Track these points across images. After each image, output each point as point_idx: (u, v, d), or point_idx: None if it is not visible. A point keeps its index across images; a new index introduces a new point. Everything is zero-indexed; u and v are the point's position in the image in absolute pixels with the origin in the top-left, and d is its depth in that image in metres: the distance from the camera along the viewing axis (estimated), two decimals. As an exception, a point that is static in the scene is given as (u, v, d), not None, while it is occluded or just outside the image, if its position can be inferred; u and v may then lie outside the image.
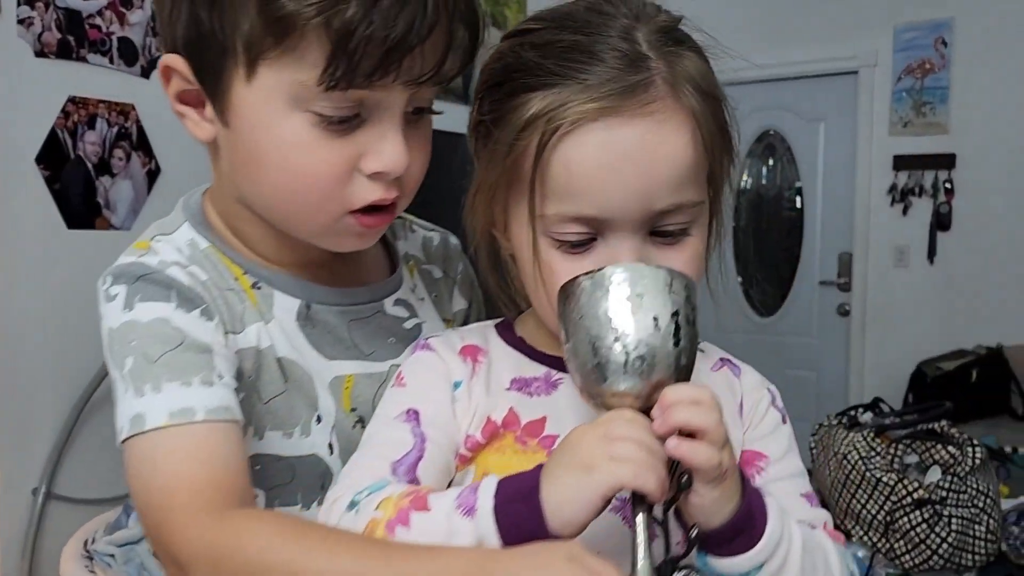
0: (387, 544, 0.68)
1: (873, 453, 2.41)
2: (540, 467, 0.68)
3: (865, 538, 2.38)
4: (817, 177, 4.92)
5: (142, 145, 2.78)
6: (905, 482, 2.34)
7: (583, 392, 0.71)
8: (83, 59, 2.61)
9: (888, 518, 2.33)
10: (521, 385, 0.83)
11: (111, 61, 2.68)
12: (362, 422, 0.88)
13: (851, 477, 2.40)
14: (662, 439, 0.66)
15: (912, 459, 2.44)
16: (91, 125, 2.65)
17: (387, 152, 0.78)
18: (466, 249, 0.89)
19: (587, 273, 0.70)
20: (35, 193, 2.52)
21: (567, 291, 0.71)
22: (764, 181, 5.17)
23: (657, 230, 0.75)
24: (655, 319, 0.68)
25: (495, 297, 0.88)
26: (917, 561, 2.30)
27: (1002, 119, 4.31)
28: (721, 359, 0.88)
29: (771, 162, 5.12)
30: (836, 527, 2.64)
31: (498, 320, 0.90)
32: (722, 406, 0.68)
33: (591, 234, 0.74)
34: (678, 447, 0.65)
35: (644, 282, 0.69)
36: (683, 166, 0.73)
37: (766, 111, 4.93)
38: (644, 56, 0.73)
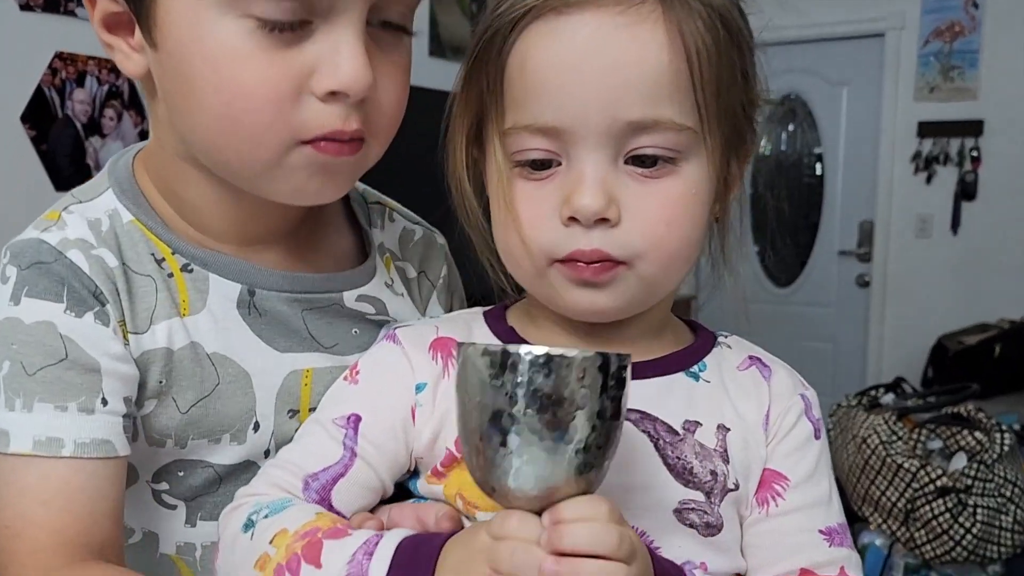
0: None
1: (895, 437, 2.31)
2: (448, 537, 0.60)
3: (884, 526, 2.28)
4: (839, 143, 4.80)
5: (134, 104, 2.68)
6: (928, 469, 2.24)
7: (475, 479, 0.59)
8: (71, 12, 2.51)
9: (909, 506, 2.23)
10: None
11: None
12: None
13: (871, 462, 2.30)
14: None
15: (936, 444, 2.34)
16: (80, 83, 2.55)
17: (342, 66, 0.65)
18: (456, 225, 0.76)
19: (485, 345, 0.56)
20: (21, 154, 2.44)
21: (459, 355, 0.58)
22: (784, 147, 5.05)
23: (632, 155, 0.64)
24: (563, 424, 0.54)
25: (491, 278, 0.76)
26: (939, 552, 2.20)
27: (1034, 85, 4.17)
28: (750, 357, 0.76)
29: (791, 127, 4.99)
30: (853, 514, 2.52)
31: (487, 308, 0.79)
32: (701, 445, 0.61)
33: (553, 153, 0.65)
34: (557, 567, 0.53)
35: (555, 374, 0.54)
36: (654, 72, 0.63)
37: (787, 74, 4.79)
38: None
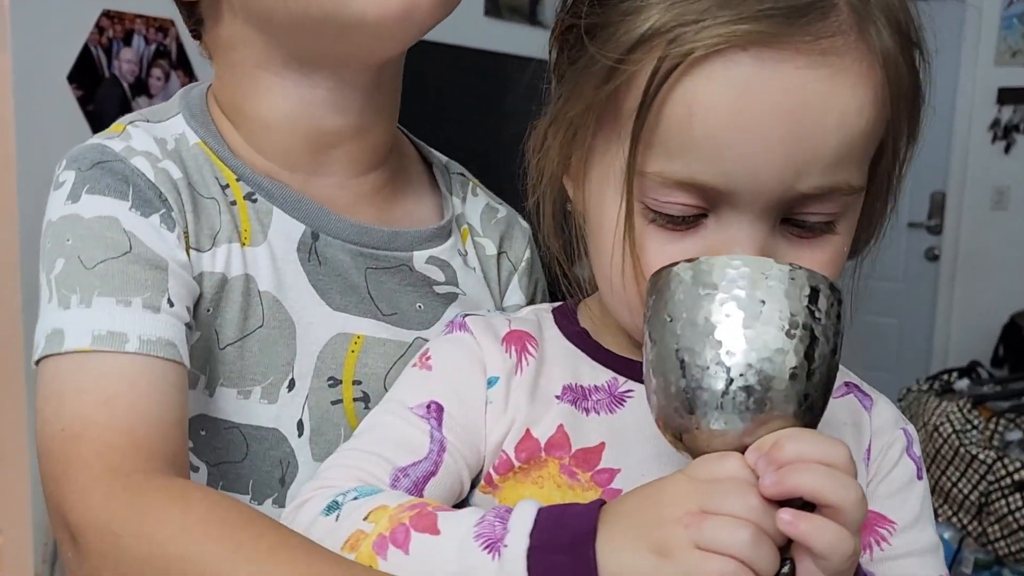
0: (359, 568, 0.51)
1: (969, 427, 2.19)
2: (599, 504, 0.50)
3: (954, 519, 2.18)
4: (912, 109, 4.59)
5: (182, 64, 2.63)
6: (1005, 461, 2.12)
7: (659, 420, 0.52)
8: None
9: (982, 499, 2.12)
10: (576, 396, 0.64)
11: (151, -28, 2.52)
12: (366, 400, 0.71)
13: (942, 452, 2.19)
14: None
15: (1015, 436, 2.21)
16: (127, 42, 2.51)
17: None
18: (525, 199, 0.67)
19: (689, 261, 0.51)
20: (67, 114, 2.41)
21: (658, 282, 0.52)
22: (853, 113, 4.87)
23: (792, 218, 0.55)
24: (777, 336, 0.48)
25: (555, 272, 0.68)
26: (1014, 549, 2.09)
27: None
28: (847, 384, 0.68)
29: (861, 92, 4.80)
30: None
31: (556, 304, 0.71)
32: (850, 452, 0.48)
33: (701, 209, 0.54)
34: (795, 524, 0.45)
35: (769, 284, 0.49)
36: (854, 136, 0.52)
37: (859, 36, 4.61)
38: None
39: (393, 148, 0.78)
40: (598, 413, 0.63)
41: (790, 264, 0.50)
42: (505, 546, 0.49)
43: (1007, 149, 4.28)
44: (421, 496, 0.60)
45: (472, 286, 0.78)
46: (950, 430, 2.21)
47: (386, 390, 0.69)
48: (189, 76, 2.63)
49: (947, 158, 4.45)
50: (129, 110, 0.76)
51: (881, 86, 0.52)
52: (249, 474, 0.69)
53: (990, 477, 2.13)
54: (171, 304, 0.62)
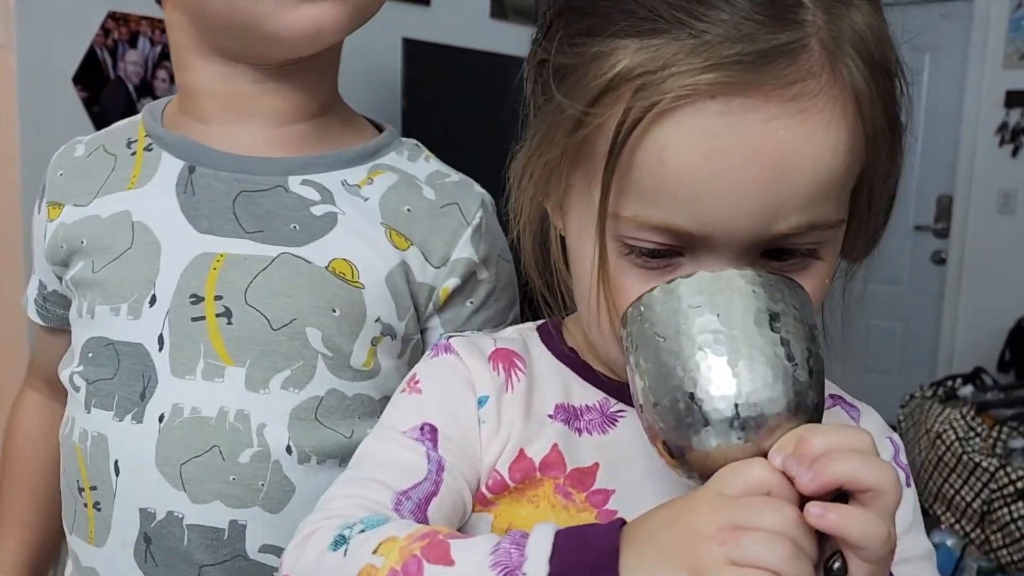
0: None
1: (972, 434, 2.18)
2: (619, 523, 0.49)
3: (957, 526, 2.16)
4: (919, 112, 4.54)
5: (189, 66, 2.62)
6: (1008, 469, 2.11)
7: (658, 441, 0.52)
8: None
9: (985, 507, 2.11)
10: (568, 416, 0.64)
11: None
12: (228, 315, 0.74)
13: (945, 459, 2.18)
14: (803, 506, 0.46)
15: (1018, 443, 2.20)
16: (133, 43, 2.49)
17: None
18: (504, 220, 0.67)
19: (668, 282, 0.52)
20: (73, 116, 2.39)
21: (639, 307, 0.53)
22: (859, 115, 4.84)
23: (773, 249, 0.54)
24: (771, 343, 0.49)
25: (537, 293, 0.67)
26: (1016, 558, 2.08)
27: None
28: (833, 396, 0.69)
29: (868, 94, 4.78)
30: (924, 512, 2.40)
31: (539, 323, 0.71)
32: None
33: (678, 247, 0.54)
34: (824, 516, 0.45)
35: (747, 291, 0.51)
36: (830, 176, 0.52)
37: (866, 39, 4.58)
38: (795, 1, 0.51)
39: (329, 110, 0.83)
40: (591, 433, 0.63)
41: (757, 271, 0.51)
42: (524, 574, 0.48)
43: (1015, 152, 4.26)
44: (425, 518, 0.59)
45: (354, 209, 0.78)
46: (953, 437, 2.20)
47: (245, 302, 0.74)
48: (194, 78, 2.63)
49: (954, 161, 4.43)
50: (134, 111, 0.86)
51: (855, 123, 0.52)
52: (116, 390, 0.76)
53: (993, 485, 2.12)
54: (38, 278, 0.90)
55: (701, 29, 0.50)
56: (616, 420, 0.64)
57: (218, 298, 0.74)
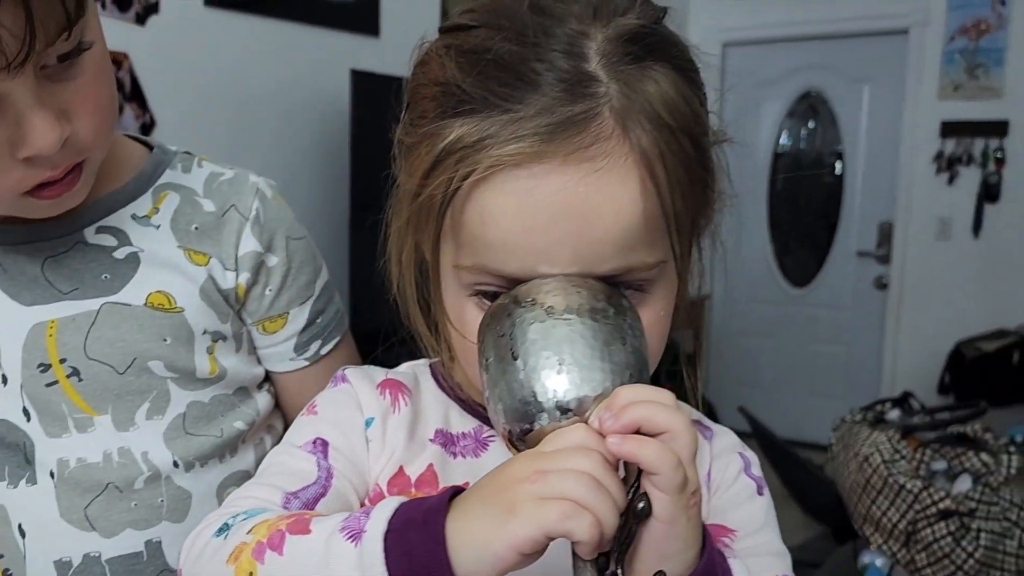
0: None
1: (898, 456, 2.25)
2: (455, 489, 0.55)
3: (885, 547, 2.23)
4: (859, 141, 4.70)
5: (136, 97, 2.64)
6: (931, 490, 2.17)
7: (504, 430, 0.58)
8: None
9: (910, 528, 2.17)
10: (445, 440, 0.70)
11: (103, 6, 2.54)
12: (77, 373, 0.79)
13: (872, 481, 2.24)
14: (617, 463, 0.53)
15: (940, 466, 2.27)
16: None
17: (31, 137, 0.68)
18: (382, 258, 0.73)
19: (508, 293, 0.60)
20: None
21: (486, 320, 0.60)
22: (803, 144, 4.96)
23: None
24: (592, 331, 0.57)
25: (422, 335, 0.73)
26: (940, 576, 2.15)
27: (1062, 86, 4.06)
28: (691, 421, 0.73)
29: (811, 124, 4.91)
30: (854, 533, 2.45)
31: (434, 360, 0.76)
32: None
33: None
34: (621, 444, 0.52)
35: (573, 291, 0.58)
36: (634, 224, 0.57)
37: (808, 70, 4.73)
38: (590, 77, 0.57)
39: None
40: (464, 457, 0.69)
41: (582, 276, 0.58)
42: (365, 532, 0.53)
43: (950, 180, 4.37)
44: None
45: (151, 241, 0.83)
46: (879, 460, 2.26)
47: (87, 357, 0.79)
48: (143, 109, 2.64)
49: (893, 189, 4.54)
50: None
51: (648, 179, 0.57)
52: (3, 463, 0.79)
53: (917, 506, 2.18)
54: None
55: (512, 106, 0.56)
56: (487, 444, 0.70)
57: (63, 360, 0.79)
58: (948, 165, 4.37)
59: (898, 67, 4.47)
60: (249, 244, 0.86)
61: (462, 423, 0.71)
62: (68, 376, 0.79)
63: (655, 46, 0.60)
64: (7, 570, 0.80)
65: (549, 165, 0.56)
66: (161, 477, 0.81)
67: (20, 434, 0.79)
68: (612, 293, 0.59)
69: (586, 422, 0.55)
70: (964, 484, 2.20)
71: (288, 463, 0.68)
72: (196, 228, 0.84)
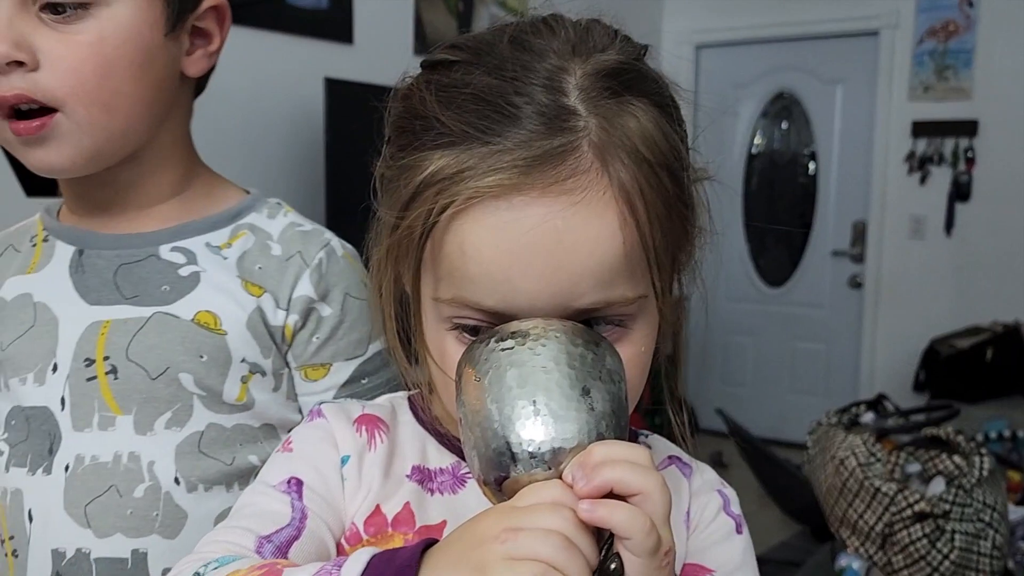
0: None
1: (873, 459, 2.27)
2: (425, 541, 0.54)
3: (861, 549, 2.25)
4: (832, 142, 4.75)
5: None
6: (906, 493, 2.20)
7: (480, 477, 0.58)
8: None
9: (887, 530, 2.20)
10: (423, 477, 0.69)
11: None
12: (114, 372, 0.85)
13: (848, 484, 2.26)
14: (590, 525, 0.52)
15: (914, 468, 2.30)
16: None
17: None
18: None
19: (491, 332, 0.58)
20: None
21: (464, 359, 0.60)
22: (777, 145, 5.01)
23: (583, 320, 0.60)
24: (569, 381, 0.56)
25: (402, 368, 0.73)
26: (915, 578, 2.17)
27: (1029, 86, 4.12)
28: (670, 457, 0.74)
29: (785, 125, 4.95)
30: (830, 535, 2.47)
31: (413, 392, 0.76)
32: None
33: (494, 323, 0.60)
34: (592, 510, 0.51)
35: (553, 337, 0.57)
36: (613, 257, 0.57)
37: (781, 72, 4.77)
38: (569, 111, 0.57)
39: (190, 186, 0.93)
40: (442, 493, 0.69)
41: (561, 320, 0.57)
42: None
43: (922, 180, 4.43)
44: (286, 559, 0.64)
45: (216, 268, 0.88)
46: (855, 463, 2.28)
47: (127, 358, 0.84)
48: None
49: (867, 189, 4.60)
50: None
51: (627, 212, 0.58)
52: (29, 449, 0.86)
53: (893, 508, 2.20)
54: None
55: (492, 139, 0.57)
56: (465, 481, 0.69)
57: (106, 358, 0.85)
58: (920, 165, 4.43)
59: (870, 68, 4.53)
60: (304, 289, 0.89)
61: (440, 458, 0.70)
62: (107, 373, 0.85)
63: (634, 82, 0.60)
64: (15, 551, 0.86)
65: (528, 197, 0.56)
66: (160, 491, 0.84)
67: (52, 423, 0.85)
68: (591, 336, 0.58)
69: (560, 475, 0.54)
70: (938, 486, 2.23)
71: (261, 504, 0.67)
72: (260, 268, 0.89)
